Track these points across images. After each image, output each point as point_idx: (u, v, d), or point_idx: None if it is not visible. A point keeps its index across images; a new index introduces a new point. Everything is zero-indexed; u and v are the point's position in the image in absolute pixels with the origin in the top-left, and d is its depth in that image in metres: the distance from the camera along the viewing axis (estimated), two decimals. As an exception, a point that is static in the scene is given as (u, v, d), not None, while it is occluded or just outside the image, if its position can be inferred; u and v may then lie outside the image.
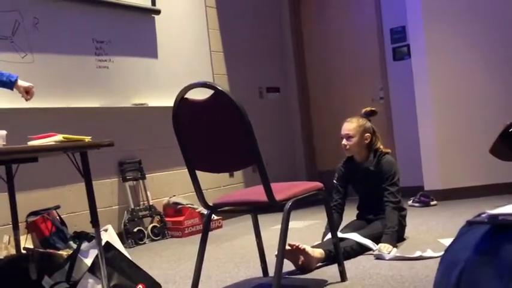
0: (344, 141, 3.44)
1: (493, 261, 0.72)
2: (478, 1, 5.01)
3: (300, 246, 2.88)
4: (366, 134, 3.42)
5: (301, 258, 2.90)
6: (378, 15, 5.73)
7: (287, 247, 2.84)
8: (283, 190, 2.40)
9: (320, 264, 2.97)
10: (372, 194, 3.44)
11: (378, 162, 3.39)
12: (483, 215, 0.81)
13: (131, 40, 4.55)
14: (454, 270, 0.77)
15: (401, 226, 3.41)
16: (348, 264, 2.84)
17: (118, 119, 4.41)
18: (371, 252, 3.11)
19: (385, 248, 3.07)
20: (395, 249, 3.09)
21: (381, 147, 3.47)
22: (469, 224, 0.82)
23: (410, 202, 4.81)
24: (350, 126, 3.43)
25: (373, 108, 3.55)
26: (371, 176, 3.39)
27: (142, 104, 4.55)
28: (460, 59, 5.05)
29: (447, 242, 3.17)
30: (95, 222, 2.43)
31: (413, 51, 5.22)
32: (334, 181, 3.53)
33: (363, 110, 3.54)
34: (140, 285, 2.56)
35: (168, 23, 4.88)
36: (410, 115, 5.29)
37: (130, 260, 2.67)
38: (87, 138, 2.41)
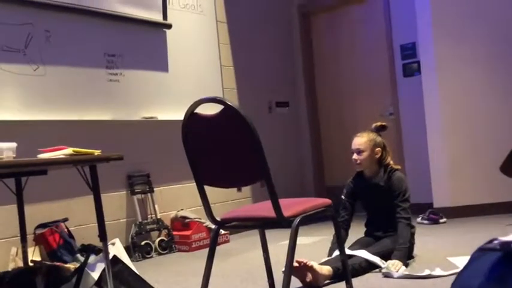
0: (355, 156, 3.43)
1: (506, 288, 0.71)
2: (488, 18, 5.00)
3: (307, 264, 2.86)
4: (377, 149, 3.41)
5: (309, 275, 2.88)
6: (388, 31, 5.73)
7: (295, 264, 2.82)
8: (291, 206, 2.39)
9: (328, 281, 2.95)
10: (381, 210, 3.42)
11: (389, 178, 3.37)
12: (495, 242, 0.80)
13: (142, 54, 4.58)
14: (466, 296, 0.76)
15: (410, 244, 3.39)
16: (356, 281, 2.81)
17: (128, 132, 4.43)
18: (379, 269, 3.08)
19: (393, 265, 3.04)
20: (403, 267, 3.06)
21: (391, 162, 3.45)
22: (481, 250, 0.81)
23: (419, 219, 4.77)
24: (361, 140, 3.42)
25: (383, 123, 3.54)
26: (381, 192, 3.37)
27: (152, 118, 4.56)
28: (471, 75, 5.03)
29: (457, 260, 3.14)
30: (102, 236, 2.43)
31: (423, 68, 5.22)
32: (342, 197, 3.51)
33: (373, 125, 3.53)
34: (147, 300, 2.55)
35: (179, 37, 4.91)
36: (420, 131, 5.27)
37: (137, 274, 2.66)
38: (97, 152, 2.42)
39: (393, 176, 3.38)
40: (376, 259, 3.12)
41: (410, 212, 3.31)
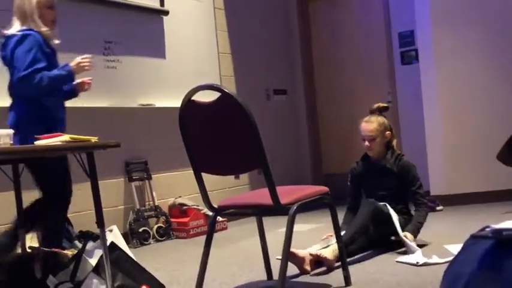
0: (367, 143, 3.42)
1: (497, 276, 0.72)
2: (487, 7, 4.99)
3: (320, 255, 2.88)
4: (387, 132, 3.44)
5: (307, 262, 2.91)
6: (386, 19, 5.72)
7: (309, 256, 2.89)
8: (288, 194, 2.40)
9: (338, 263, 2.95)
10: (385, 193, 3.41)
11: (397, 163, 3.39)
12: (487, 229, 0.81)
13: (139, 41, 4.55)
14: (458, 282, 0.77)
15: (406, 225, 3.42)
16: (353, 269, 2.83)
17: (125, 119, 4.42)
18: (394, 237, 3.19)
19: (407, 236, 3.16)
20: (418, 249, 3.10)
21: (395, 144, 3.49)
22: (474, 237, 0.81)
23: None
24: (371, 127, 3.42)
25: (385, 104, 3.55)
26: (388, 175, 3.39)
27: (149, 105, 4.56)
28: (468, 64, 5.03)
29: (453, 248, 3.16)
30: (100, 222, 2.44)
31: (421, 56, 5.21)
32: (349, 183, 3.55)
33: (375, 106, 3.52)
34: (144, 286, 2.56)
35: (177, 24, 4.88)
36: (418, 119, 5.27)
37: (135, 261, 2.68)
38: (94, 139, 2.42)
39: (402, 161, 3.42)
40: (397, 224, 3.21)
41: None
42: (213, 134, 2.37)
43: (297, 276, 2.89)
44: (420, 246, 3.19)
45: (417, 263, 2.90)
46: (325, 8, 6.34)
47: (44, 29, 2.99)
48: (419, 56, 5.26)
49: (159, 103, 4.63)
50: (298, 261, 2.91)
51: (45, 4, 3.03)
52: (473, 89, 5.03)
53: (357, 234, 3.16)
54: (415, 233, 3.27)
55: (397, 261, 3.00)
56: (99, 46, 4.25)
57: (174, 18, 4.84)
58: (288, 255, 2.80)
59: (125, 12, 4.43)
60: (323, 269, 2.96)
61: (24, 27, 2.97)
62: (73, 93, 3.31)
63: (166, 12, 4.76)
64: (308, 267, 2.91)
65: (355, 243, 3.18)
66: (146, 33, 4.62)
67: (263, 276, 2.91)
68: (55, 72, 2.99)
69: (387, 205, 3.30)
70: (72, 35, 4.07)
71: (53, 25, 3.08)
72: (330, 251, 2.95)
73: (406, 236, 3.18)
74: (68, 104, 3.98)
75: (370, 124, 3.42)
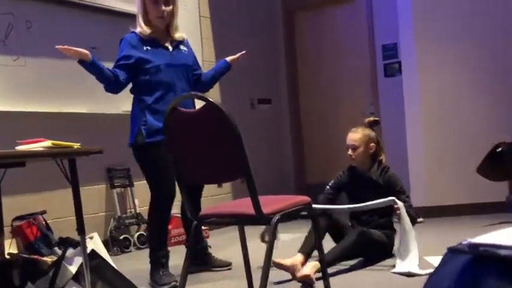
0: (350, 152, 3.46)
1: (473, 293, 0.73)
2: (470, 21, 5.06)
3: (309, 275, 2.88)
4: (371, 144, 3.46)
5: (299, 269, 2.91)
6: (370, 31, 5.77)
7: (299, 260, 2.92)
8: (270, 203, 2.39)
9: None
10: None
11: (383, 175, 3.42)
12: (465, 243, 0.81)
13: (124, 47, 4.53)
14: (436, 297, 0.78)
15: (391, 244, 3.43)
16: (334, 280, 2.83)
17: (108, 126, 4.39)
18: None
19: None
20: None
21: (383, 159, 3.50)
22: (451, 251, 0.82)
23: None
24: (355, 136, 3.46)
25: (376, 118, 3.61)
26: (373, 187, 3.40)
27: (132, 111, 4.52)
28: (451, 77, 5.09)
29: (433, 259, 3.18)
30: (80, 229, 2.42)
31: (404, 69, 5.26)
32: (328, 187, 3.54)
33: (366, 120, 3.58)
34: (124, 295, 2.54)
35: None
36: (400, 131, 5.32)
37: (115, 269, 2.66)
38: (76, 145, 2.41)
39: (389, 173, 3.44)
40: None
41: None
42: (197, 142, 2.36)
43: (277, 286, 2.89)
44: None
45: (409, 272, 2.92)
46: (310, 19, 6.38)
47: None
48: (402, 68, 5.31)
49: (143, 110, 4.60)
50: (290, 269, 2.91)
51: None
52: (455, 102, 5.09)
53: (338, 260, 3.17)
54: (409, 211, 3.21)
55: (392, 272, 3.00)
56: (84, 52, 4.22)
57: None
58: (278, 266, 2.83)
59: (110, 18, 4.41)
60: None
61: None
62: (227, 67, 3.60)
63: (151, 20, 4.75)
64: (303, 273, 2.91)
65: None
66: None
67: (244, 285, 2.90)
68: None
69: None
70: (56, 40, 4.04)
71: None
72: (310, 266, 2.96)
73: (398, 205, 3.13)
74: (50, 109, 3.96)
75: (356, 134, 3.47)
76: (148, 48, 3.15)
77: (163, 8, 3.14)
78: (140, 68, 3.13)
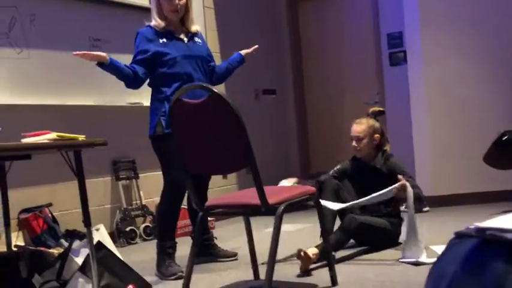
0: (354, 143, 3.45)
1: (480, 277, 0.72)
2: (476, 10, 5.03)
3: (308, 254, 2.88)
4: (376, 135, 3.45)
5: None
6: (375, 20, 5.74)
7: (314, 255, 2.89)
8: (276, 194, 2.40)
9: (316, 265, 2.96)
10: (373, 193, 3.43)
11: (386, 163, 3.42)
12: (471, 227, 0.81)
13: (128, 39, 4.49)
14: (442, 282, 0.77)
15: (397, 232, 3.43)
16: (339, 268, 2.84)
17: (113, 118, 4.40)
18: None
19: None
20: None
21: (388, 149, 3.50)
22: (458, 236, 0.82)
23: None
24: (360, 127, 3.44)
25: (381, 109, 3.59)
26: (378, 175, 3.40)
27: (137, 103, 4.53)
28: (456, 66, 5.06)
29: (439, 248, 3.18)
30: (87, 221, 2.42)
31: (409, 57, 5.24)
32: (330, 172, 3.53)
33: (371, 110, 3.56)
34: (131, 286, 2.55)
35: (166, 22, 4.86)
36: (405, 120, 5.30)
37: (122, 260, 2.67)
38: (81, 137, 2.41)
39: (391, 161, 3.44)
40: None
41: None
42: (202, 133, 2.36)
43: (283, 276, 2.89)
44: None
45: (418, 259, 2.91)
46: (315, 8, 6.35)
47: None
48: (407, 57, 5.28)
49: (147, 102, 4.59)
50: (307, 262, 2.91)
51: None
52: (461, 91, 5.06)
53: (345, 237, 3.18)
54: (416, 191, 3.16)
55: (400, 261, 3.00)
56: (87, 44, 4.22)
57: (163, 16, 4.81)
58: (300, 256, 2.83)
59: (114, 10, 4.40)
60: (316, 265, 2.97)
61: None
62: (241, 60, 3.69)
63: (155, 11, 4.74)
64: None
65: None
66: (135, 32, 4.59)
67: (250, 276, 2.91)
68: None
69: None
70: (60, 32, 4.04)
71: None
72: (313, 250, 2.96)
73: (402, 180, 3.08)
74: (55, 102, 3.97)
75: (360, 125, 3.45)
76: (164, 40, 3.19)
77: (177, 1, 3.17)
78: (158, 61, 3.17)
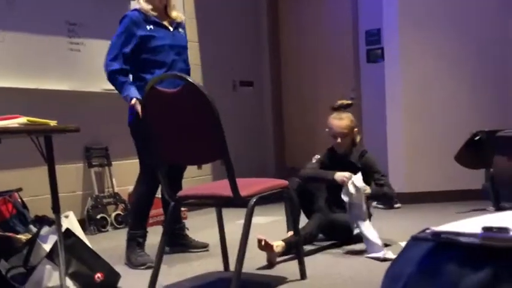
0: (339, 140, 3.41)
1: (434, 279, 0.73)
2: (455, 10, 5.08)
3: (269, 243, 2.89)
4: (355, 129, 3.45)
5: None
6: (354, 16, 5.76)
7: (259, 238, 2.87)
8: (248, 186, 2.40)
9: (281, 258, 2.98)
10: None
11: (361, 158, 3.43)
12: (427, 231, 0.82)
13: (105, 24, 4.46)
14: (397, 283, 0.79)
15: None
16: (308, 261, 2.86)
17: (87, 104, 4.35)
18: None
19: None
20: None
21: (358, 139, 3.52)
22: (414, 239, 0.83)
23: (374, 203, 4.86)
24: (343, 123, 3.40)
25: (349, 101, 3.54)
26: (352, 169, 3.40)
27: (112, 90, 4.47)
28: (433, 65, 5.12)
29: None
30: (55, 208, 2.39)
31: (386, 55, 5.27)
32: (313, 160, 3.53)
33: (339, 102, 3.49)
34: (99, 274, 2.53)
35: (144, 9, 4.81)
36: (380, 117, 5.34)
37: (90, 248, 2.64)
38: (53, 123, 2.37)
39: (367, 156, 3.45)
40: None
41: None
42: (176, 123, 2.35)
43: (252, 268, 2.90)
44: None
45: (384, 255, 2.95)
46: (295, 2, 6.34)
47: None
48: (384, 55, 5.32)
49: (123, 89, 4.55)
50: (271, 253, 2.92)
51: None
52: (436, 90, 5.12)
53: (315, 230, 3.21)
54: (374, 192, 3.24)
55: (366, 256, 3.03)
56: (64, 28, 4.16)
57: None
58: (261, 245, 2.84)
59: (92, -5, 4.34)
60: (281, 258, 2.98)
61: None
62: None
63: (134, -3, 4.69)
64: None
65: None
66: (112, 17, 4.50)
67: (220, 267, 2.91)
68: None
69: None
70: (36, 16, 3.97)
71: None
72: (279, 243, 2.98)
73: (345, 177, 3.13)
74: (28, 85, 3.90)
75: (342, 121, 3.40)
76: (152, 27, 3.18)
77: None
78: (142, 47, 3.15)
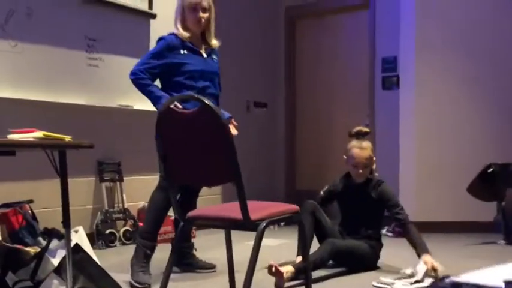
0: (360, 171, 3.38)
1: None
2: (473, 40, 5.08)
3: (280, 270, 2.87)
4: (373, 158, 3.44)
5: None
6: (371, 43, 5.78)
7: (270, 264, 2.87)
8: (259, 210, 2.39)
9: (290, 284, 2.96)
10: (359, 217, 3.44)
11: (377, 188, 3.40)
12: (447, 280, 0.81)
13: (124, 41, 4.52)
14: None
15: (376, 256, 3.44)
16: (316, 287, 2.83)
17: (102, 119, 4.38)
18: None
19: (433, 262, 3.02)
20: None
21: (374, 167, 3.49)
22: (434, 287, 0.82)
23: (384, 231, 4.82)
24: (365, 154, 3.38)
25: (367, 129, 3.52)
26: (366, 199, 3.39)
27: (128, 106, 4.52)
28: (448, 94, 5.11)
29: (409, 271, 3.18)
30: (66, 223, 2.40)
31: (402, 83, 5.27)
32: (321, 192, 3.52)
33: (358, 129, 3.47)
34: (105, 291, 2.53)
35: (163, 27, 4.82)
36: (393, 145, 5.32)
37: (98, 265, 2.64)
38: (68, 138, 2.39)
39: (382, 188, 3.40)
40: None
41: None
42: (189, 143, 2.35)
43: (260, 292, 2.88)
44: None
45: (392, 285, 2.91)
46: (312, 27, 6.38)
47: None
48: (400, 82, 5.32)
49: (138, 105, 4.59)
50: (280, 279, 2.90)
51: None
52: (450, 119, 5.10)
53: (326, 255, 3.18)
54: (428, 250, 3.17)
55: (374, 285, 2.99)
56: (83, 43, 4.21)
57: (161, 21, 4.81)
58: (271, 271, 2.82)
59: (113, 11, 4.40)
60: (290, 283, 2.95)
61: None
62: None
63: (154, 16, 4.74)
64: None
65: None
66: (132, 34, 4.59)
67: (226, 289, 2.89)
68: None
69: None
70: (56, 29, 4.03)
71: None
72: (289, 269, 2.96)
73: (427, 263, 3.05)
74: (45, 98, 3.94)
75: (365, 151, 3.38)
76: (185, 52, 3.26)
77: (201, 14, 3.25)
78: (175, 71, 3.23)
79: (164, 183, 3.19)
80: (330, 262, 3.40)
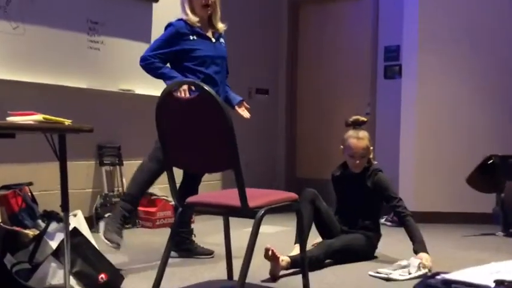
0: (358, 161, 3.37)
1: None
2: (475, 33, 5.05)
3: (276, 254, 2.88)
4: (371, 148, 3.43)
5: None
6: (374, 31, 5.75)
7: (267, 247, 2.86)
8: (257, 197, 2.39)
9: (285, 272, 2.96)
10: (356, 206, 3.44)
11: (373, 178, 3.39)
12: (438, 277, 0.81)
13: (126, 25, 4.50)
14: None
15: (373, 247, 3.44)
16: (313, 276, 2.84)
17: (102, 102, 4.37)
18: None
19: (426, 261, 3.03)
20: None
21: (371, 156, 3.47)
22: (425, 285, 0.82)
23: (382, 220, 4.83)
24: (363, 144, 3.35)
25: (364, 119, 3.48)
26: (362, 188, 3.38)
27: (129, 90, 4.51)
28: (450, 85, 5.09)
29: (406, 262, 3.19)
30: (64, 207, 2.40)
31: (404, 72, 5.25)
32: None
33: (354, 118, 3.43)
34: (103, 275, 2.54)
35: (165, 12, 4.82)
36: (394, 134, 5.32)
37: (96, 248, 2.65)
38: (68, 122, 2.38)
39: (378, 178, 3.38)
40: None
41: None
42: (189, 130, 2.35)
43: (257, 279, 2.89)
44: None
45: (388, 275, 2.92)
46: (316, 13, 6.34)
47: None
48: (402, 72, 5.30)
49: (139, 90, 4.58)
50: (276, 265, 2.90)
51: None
52: (452, 110, 5.09)
53: (322, 256, 3.17)
54: (426, 249, 3.16)
55: (371, 274, 3.01)
56: (84, 25, 4.19)
57: (164, 6, 4.79)
58: (268, 255, 2.83)
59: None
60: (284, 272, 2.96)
61: None
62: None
63: (156, -1, 4.73)
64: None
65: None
66: (134, 18, 4.57)
67: (224, 275, 2.90)
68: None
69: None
70: (58, 11, 4.01)
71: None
72: (285, 258, 2.96)
73: (422, 258, 3.05)
74: (46, 81, 3.93)
75: (362, 142, 3.35)
76: (195, 38, 3.27)
77: None
78: (185, 57, 3.25)
79: (159, 155, 3.14)
80: (327, 261, 3.39)
